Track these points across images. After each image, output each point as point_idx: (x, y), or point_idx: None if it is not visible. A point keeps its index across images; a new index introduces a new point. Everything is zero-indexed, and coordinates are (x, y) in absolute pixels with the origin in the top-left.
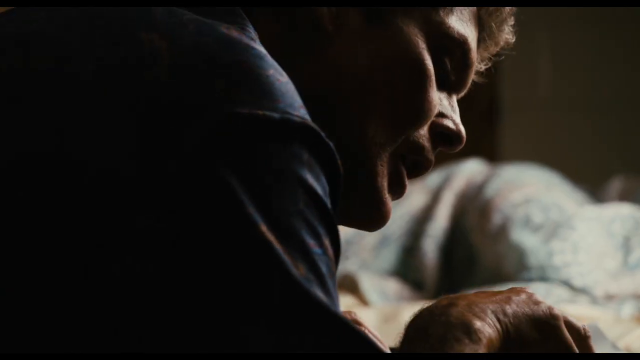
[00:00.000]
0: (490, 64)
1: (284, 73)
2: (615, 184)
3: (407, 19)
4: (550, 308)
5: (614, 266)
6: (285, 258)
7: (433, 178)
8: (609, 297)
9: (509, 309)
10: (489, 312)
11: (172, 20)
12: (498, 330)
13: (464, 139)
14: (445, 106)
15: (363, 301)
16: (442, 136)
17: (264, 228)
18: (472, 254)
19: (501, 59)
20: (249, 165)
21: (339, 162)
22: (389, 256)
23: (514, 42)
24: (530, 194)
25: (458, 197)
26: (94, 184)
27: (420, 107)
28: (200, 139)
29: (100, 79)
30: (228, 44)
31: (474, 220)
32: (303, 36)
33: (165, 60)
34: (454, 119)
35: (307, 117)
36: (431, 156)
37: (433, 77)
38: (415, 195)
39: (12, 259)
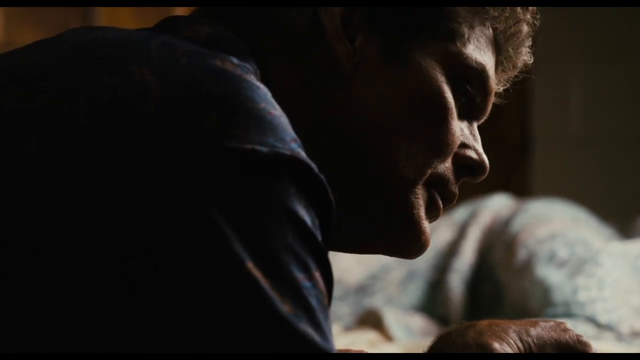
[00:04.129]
0: (511, 88)
1: (277, 106)
2: None
3: (424, 53)
4: (578, 336)
5: None
6: (273, 295)
7: (459, 213)
8: (635, 334)
9: (533, 331)
10: (510, 332)
11: (166, 53)
12: (519, 349)
13: (487, 168)
14: (467, 136)
15: (387, 337)
16: (466, 167)
17: (250, 265)
18: (498, 289)
19: (526, 83)
20: (235, 200)
21: (330, 195)
22: (415, 291)
23: (546, 77)
24: (556, 230)
25: (484, 232)
26: (83, 223)
27: (443, 140)
28: (187, 175)
29: (91, 115)
30: (218, 77)
31: (499, 255)
32: (321, 77)
33: (154, 95)
34: (476, 149)
35: (299, 150)
36: (455, 189)
37: (454, 110)
38: (442, 230)
39: None
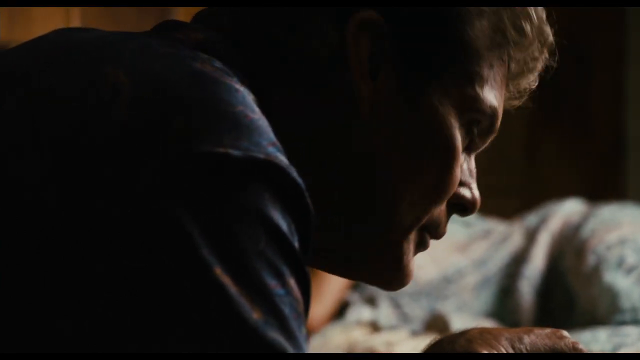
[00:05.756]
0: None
1: (256, 109)
2: None
3: (443, 96)
4: (574, 343)
5: None
6: (242, 301)
7: (531, 218)
8: None
9: (527, 339)
10: (502, 339)
11: (142, 55)
12: None
13: (478, 206)
14: (465, 172)
15: None
16: (459, 206)
17: (218, 270)
18: (569, 296)
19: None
20: (206, 204)
21: (308, 200)
22: (489, 297)
23: None
24: (625, 235)
25: (555, 237)
26: (53, 225)
27: (446, 186)
28: (157, 177)
29: (63, 116)
30: (195, 79)
31: (570, 261)
32: (333, 109)
33: (126, 97)
34: (471, 186)
35: (277, 154)
36: (444, 229)
37: (460, 155)
38: (515, 235)
39: None
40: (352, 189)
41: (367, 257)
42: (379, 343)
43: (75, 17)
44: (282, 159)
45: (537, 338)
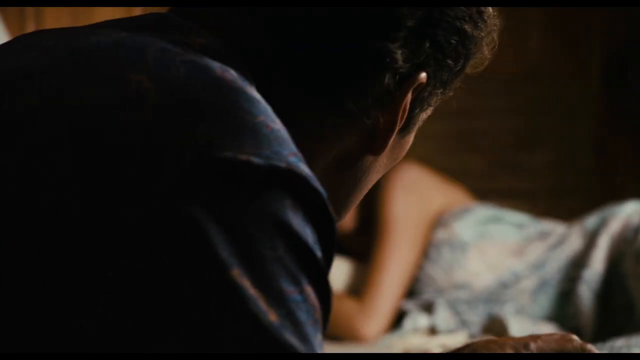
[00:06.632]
0: None
1: (276, 120)
2: None
3: (419, 121)
4: (582, 344)
5: None
6: (258, 303)
7: (590, 220)
8: None
9: (533, 345)
10: (507, 347)
11: (164, 61)
12: None
13: None
14: None
15: None
16: None
17: (236, 272)
18: (630, 300)
19: None
20: (226, 208)
21: (331, 209)
22: (547, 302)
23: None
24: None
25: (614, 239)
26: (69, 228)
27: None
28: (178, 180)
29: (81, 121)
30: (217, 87)
31: (630, 265)
32: (354, 139)
33: (151, 103)
34: None
35: (298, 164)
36: None
37: None
38: (573, 237)
39: None
40: (336, 190)
41: None
42: (435, 346)
43: None
44: (304, 168)
45: (544, 343)
